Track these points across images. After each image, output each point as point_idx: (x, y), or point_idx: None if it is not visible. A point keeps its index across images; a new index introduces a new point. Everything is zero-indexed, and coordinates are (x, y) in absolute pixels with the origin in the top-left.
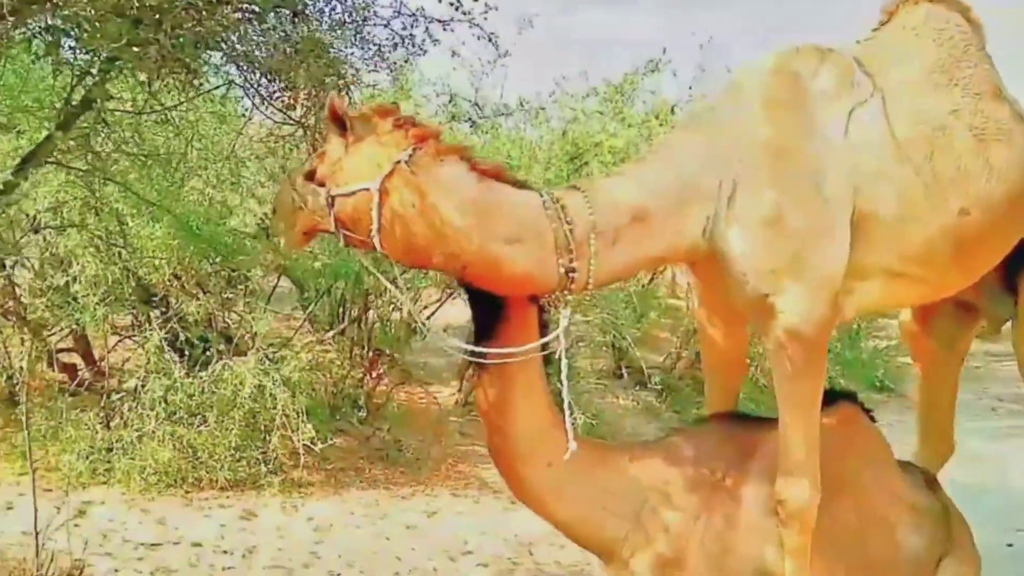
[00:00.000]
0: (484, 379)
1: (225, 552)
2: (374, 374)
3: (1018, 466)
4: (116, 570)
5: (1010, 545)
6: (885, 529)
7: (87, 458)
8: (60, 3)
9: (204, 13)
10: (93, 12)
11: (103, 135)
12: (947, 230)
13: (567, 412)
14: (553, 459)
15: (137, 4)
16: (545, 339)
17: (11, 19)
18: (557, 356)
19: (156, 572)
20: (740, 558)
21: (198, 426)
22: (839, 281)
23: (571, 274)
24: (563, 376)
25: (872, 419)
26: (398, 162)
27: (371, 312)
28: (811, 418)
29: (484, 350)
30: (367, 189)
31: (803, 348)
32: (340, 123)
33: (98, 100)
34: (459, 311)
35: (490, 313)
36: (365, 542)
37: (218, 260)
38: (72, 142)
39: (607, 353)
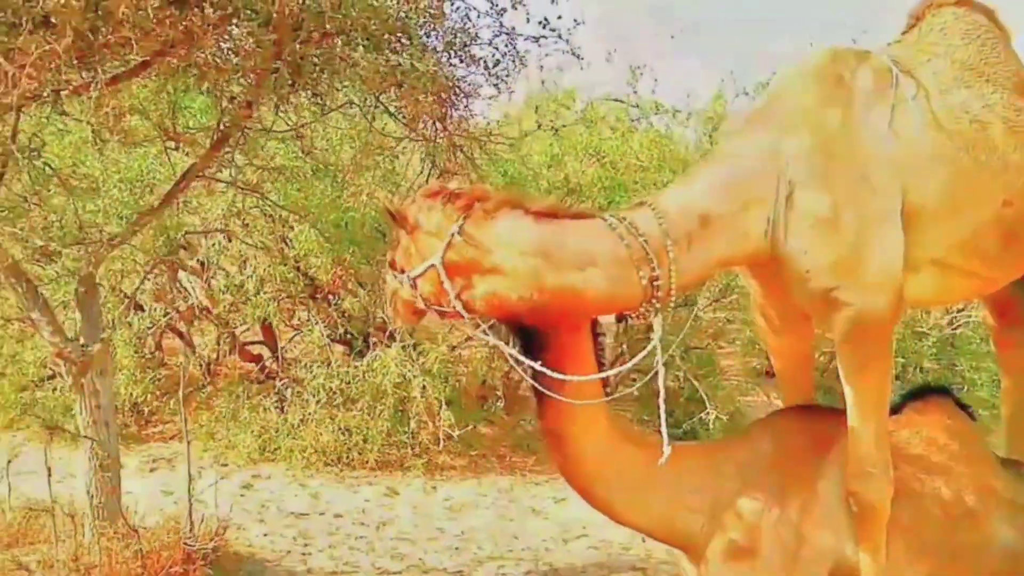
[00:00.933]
0: (546, 408)
1: (362, 524)
2: None
3: None
4: (265, 534)
5: None
6: (975, 522)
7: (259, 438)
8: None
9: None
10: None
11: (262, 150)
12: (993, 221)
13: (662, 418)
14: (623, 473)
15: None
16: (604, 374)
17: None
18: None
19: (298, 537)
20: (816, 549)
21: (353, 411)
22: (900, 271)
23: (655, 283)
24: (660, 383)
25: (970, 414)
26: (452, 235)
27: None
28: (880, 410)
29: (552, 374)
30: (432, 266)
31: (870, 339)
32: (395, 218)
33: (242, 123)
34: None
35: (549, 354)
36: (490, 521)
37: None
38: (240, 157)
39: (760, 351)
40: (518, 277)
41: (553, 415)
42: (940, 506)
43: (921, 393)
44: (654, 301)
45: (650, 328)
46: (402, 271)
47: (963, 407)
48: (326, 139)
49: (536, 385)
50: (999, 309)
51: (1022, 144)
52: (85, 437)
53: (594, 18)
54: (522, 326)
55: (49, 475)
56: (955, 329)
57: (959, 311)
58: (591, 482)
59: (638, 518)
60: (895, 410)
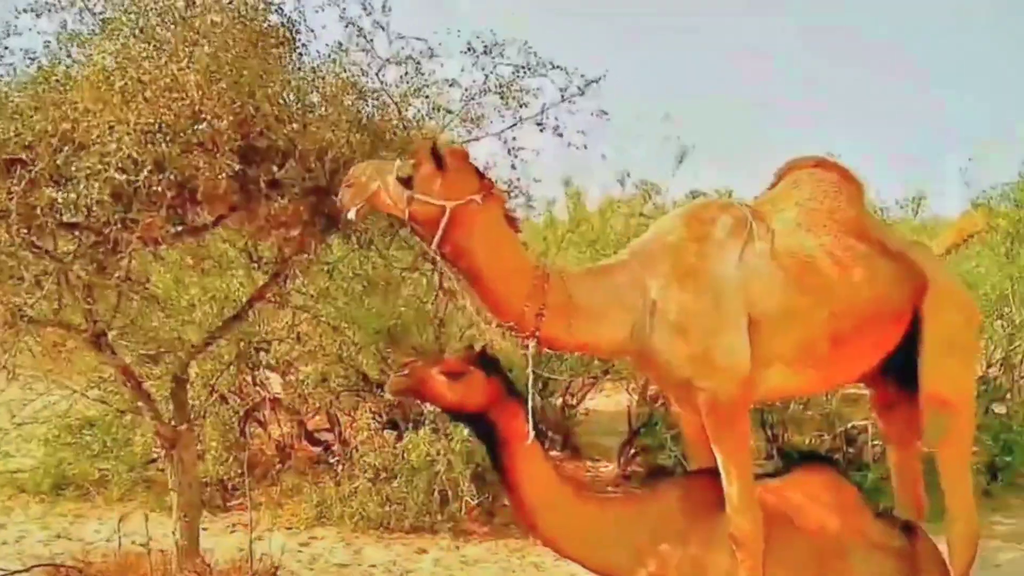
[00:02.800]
0: (505, 473)
1: (389, 572)
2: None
3: None
4: (312, 574)
5: None
6: (841, 556)
7: (317, 507)
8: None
9: None
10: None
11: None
12: (822, 329)
13: (530, 421)
14: (566, 520)
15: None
16: (531, 430)
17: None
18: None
19: None
20: (714, 573)
21: (394, 484)
22: (745, 365)
23: (539, 317)
24: (529, 384)
25: (845, 474)
26: (472, 199)
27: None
28: (742, 467)
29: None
30: (443, 207)
31: (724, 415)
32: (437, 155)
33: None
34: (603, 401)
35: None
36: (497, 573)
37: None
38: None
39: (759, 432)
40: (486, 250)
41: (509, 475)
42: (813, 543)
43: (809, 459)
44: (530, 335)
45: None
46: (409, 187)
47: (843, 472)
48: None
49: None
50: (878, 394)
51: (846, 272)
52: (174, 489)
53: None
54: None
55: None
56: None
57: None
58: (540, 525)
59: (575, 553)
60: (786, 470)
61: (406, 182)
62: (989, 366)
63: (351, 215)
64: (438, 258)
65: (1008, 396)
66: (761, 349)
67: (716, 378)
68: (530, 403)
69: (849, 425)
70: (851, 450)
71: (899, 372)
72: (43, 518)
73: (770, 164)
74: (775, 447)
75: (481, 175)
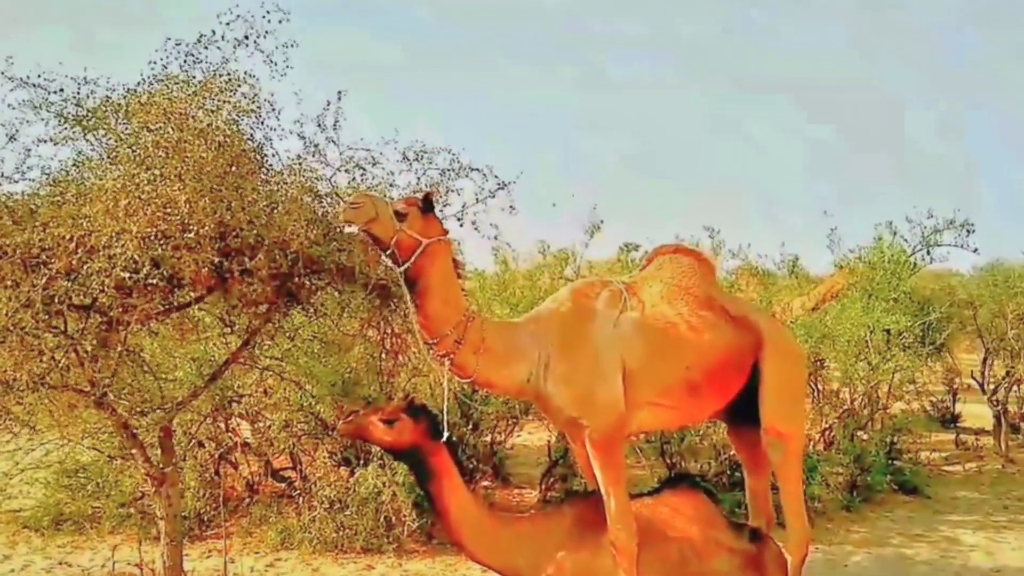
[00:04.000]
0: (434, 499)
1: None
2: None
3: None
4: None
5: None
6: (701, 560)
7: (281, 533)
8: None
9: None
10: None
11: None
12: (680, 379)
13: (443, 416)
14: (482, 535)
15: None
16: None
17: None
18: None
19: None
20: (600, 573)
21: (346, 512)
22: (620, 406)
23: (460, 343)
24: (444, 390)
25: (711, 494)
26: (440, 239)
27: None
28: (620, 488)
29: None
30: (420, 241)
31: (604, 447)
32: (426, 203)
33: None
34: (527, 437)
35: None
36: None
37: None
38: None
39: (658, 462)
40: (436, 275)
41: (437, 500)
42: (679, 549)
43: (677, 480)
44: (446, 357)
45: None
46: (402, 220)
47: (708, 491)
48: (326, 329)
49: (424, 485)
50: (731, 428)
51: (698, 335)
52: (161, 519)
53: None
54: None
55: (140, 545)
56: None
57: None
58: (462, 540)
59: (491, 562)
60: (659, 490)
61: (400, 216)
62: (853, 400)
63: (351, 229)
64: (402, 280)
65: (868, 425)
66: (632, 394)
67: (597, 417)
68: (444, 404)
69: (732, 453)
70: (737, 474)
71: (746, 411)
72: (44, 549)
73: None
74: (674, 472)
75: (443, 226)
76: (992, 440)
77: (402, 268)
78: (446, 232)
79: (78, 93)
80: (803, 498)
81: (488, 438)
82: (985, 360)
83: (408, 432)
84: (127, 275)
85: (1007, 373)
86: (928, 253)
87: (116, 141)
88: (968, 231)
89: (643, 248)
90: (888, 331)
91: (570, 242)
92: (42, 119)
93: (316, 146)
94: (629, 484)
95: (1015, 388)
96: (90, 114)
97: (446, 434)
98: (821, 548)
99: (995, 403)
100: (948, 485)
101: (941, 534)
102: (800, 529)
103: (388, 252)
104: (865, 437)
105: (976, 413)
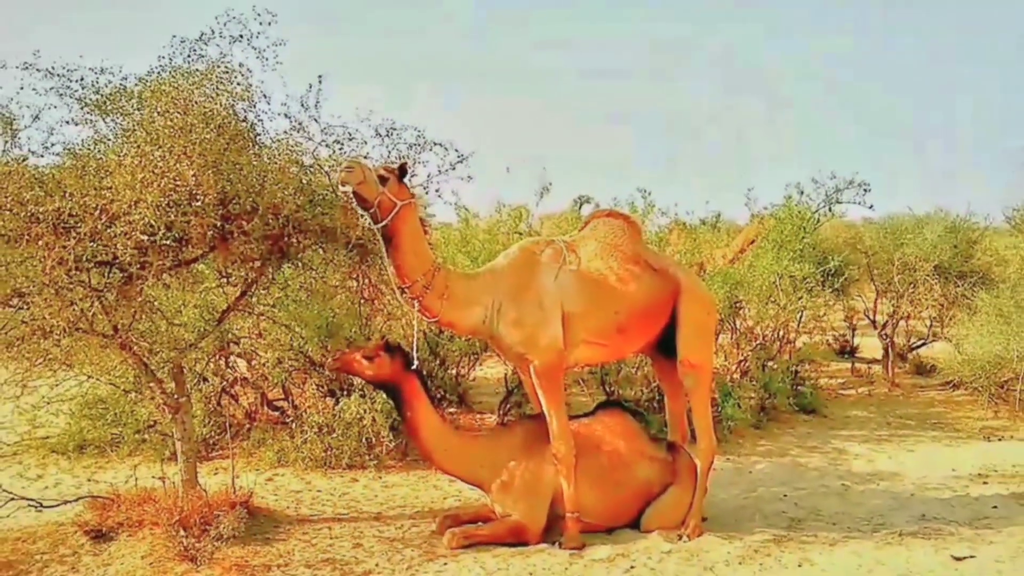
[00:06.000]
0: (406, 419)
1: (331, 494)
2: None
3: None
4: (276, 498)
5: None
6: (626, 467)
7: (277, 453)
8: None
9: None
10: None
11: (276, 287)
12: (610, 321)
13: (414, 352)
14: (447, 447)
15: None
16: (415, 359)
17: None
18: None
19: (293, 501)
20: (545, 481)
21: (333, 435)
22: (560, 346)
23: (427, 289)
24: (413, 351)
25: (634, 413)
26: (411, 201)
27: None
28: (560, 411)
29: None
30: (396, 203)
31: (547, 377)
32: (402, 171)
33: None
34: (488, 371)
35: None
36: (408, 491)
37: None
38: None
39: (599, 390)
40: (407, 231)
41: (410, 421)
42: (608, 459)
43: (607, 404)
44: (416, 298)
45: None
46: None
47: (634, 412)
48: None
49: (400, 409)
50: (654, 362)
51: (626, 285)
52: (178, 440)
53: None
54: (386, 384)
55: (162, 462)
56: None
57: None
58: (432, 454)
59: (456, 471)
60: (593, 412)
61: (383, 181)
62: (764, 336)
63: (346, 189)
64: (380, 236)
65: (776, 356)
66: (570, 335)
67: (541, 354)
68: (414, 338)
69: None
70: (663, 400)
71: (666, 347)
72: (71, 470)
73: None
74: (611, 398)
75: (411, 191)
76: (881, 368)
77: (380, 225)
78: (415, 196)
79: (96, 81)
80: (711, 417)
81: (453, 371)
82: (876, 300)
83: (386, 366)
84: (144, 237)
85: (893, 311)
86: (830, 210)
87: (131, 124)
88: (865, 190)
89: (595, 201)
90: (794, 277)
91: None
92: (65, 104)
93: (300, 124)
94: (573, 409)
95: (901, 324)
96: (107, 100)
97: (416, 363)
98: (731, 459)
99: (884, 337)
100: (842, 406)
101: (832, 446)
102: (707, 442)
103: (371, 211)
104: (774, 367)
105: (873, 346)
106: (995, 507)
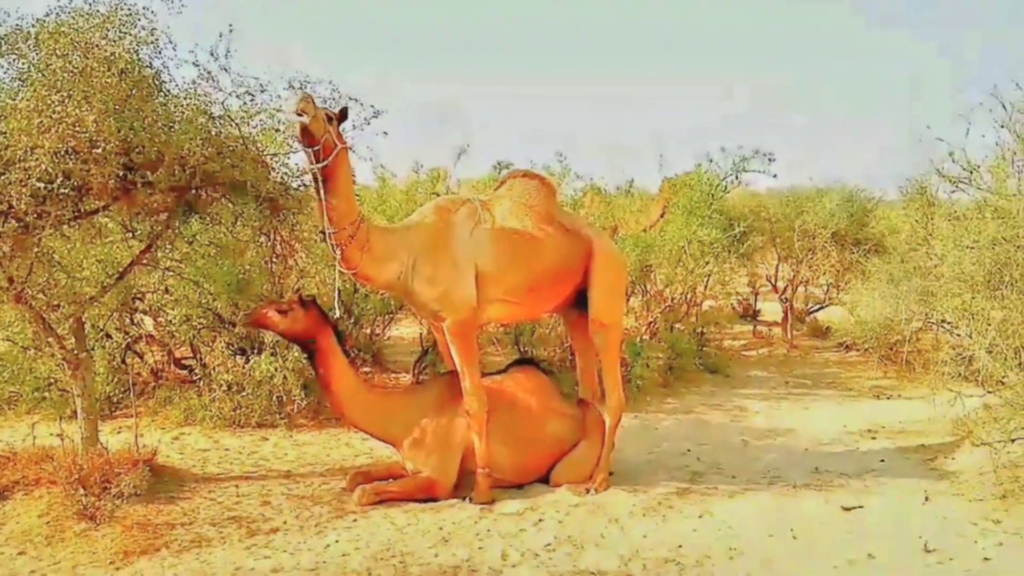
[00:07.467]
0: (320, 375)
1: (239, 452)
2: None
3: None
4: (181, 456)
5: None
6: (538, 424)
7: (184, 412)
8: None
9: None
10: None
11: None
12: (523, 279)
13: (337, 301)
14: (360, 404)
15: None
16: (340, 340)
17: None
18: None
19: (200, 460)
20: (457, 438)
21: (243, 394)
22: (473, 304)
23: (352, 239)
24: (336, 280)
25: (546, 371)
26: (348, 146)
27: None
28: (472, 368)
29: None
30: (337, 144)
31: (459, 334)
32: (344, 116)
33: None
34: (403, 330)
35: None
36: (320, 450)
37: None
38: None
39: (513, 349)
40: (343, 170)
41: (324, 377)
42: (519, 415)
43: (520, 361)
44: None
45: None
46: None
47: (544, 370)
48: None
49: (314, 365)
50: (566, 321)
51: (539, 244)
52: (78, 397)
53: None
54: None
55: (60, 421)
56: None
57: None
58: (345, 411)
59: (369, 428)
60: (506, 370)
61: (329, 120)
62: (673, 299)
63: (304, 119)
64: (319, 177)
65: (684, 318)
66: (484, 292)
67: (454, 311)
68: (336, 288)
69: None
70: (574, 359)
71: (579, 306)
72: None
73: None
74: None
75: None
76: (781, 331)
77: (321, 165)
78: (346, 142)
79: None
80: (620, 376)
81: (368, 330)
82: (778, 266)
83: (300, 320)
84: (41, 185)
85: (793, 277)
86: (737, 178)
87: (27, 65)
88: (770, 160)
89: (514, 166)
90: (703, 242)
91: (441, 162)
92: None
93: (209, 73)
94: (487, 368)
95: (800, 289)
96: (1, 41)
97: (338, 314)
98: (640, 416)
99: (784, 301)
100: (744, 366)
101: (734, 404)
102: (616, 399)
103: (315, 149)
104: (681, 328)
105: (774, 309)
106: (882, 460)
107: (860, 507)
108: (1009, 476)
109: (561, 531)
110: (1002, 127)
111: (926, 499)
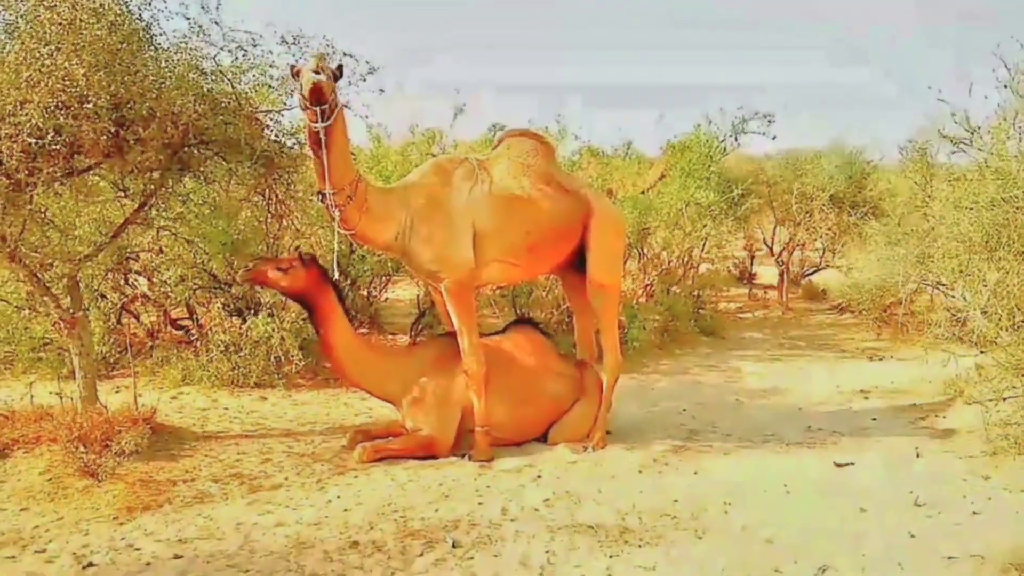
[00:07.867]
0: (321, 334)
1: (240, 411)
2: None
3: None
4: (181, 416)
5: None
6: (536, 382)
7: (182, 372)
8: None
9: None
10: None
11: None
12: (521, 240)
13: (334, 262)
14: (360, 363)
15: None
16: (341, 299)
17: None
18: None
19: (199, 418)
20: (455, 397)
21: (241, 354)
22: (470, 264)
23: (350, 199)
24: (333, 266)
25: (544, 332)
26: (346, 105)
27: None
28: (471, 328)
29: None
30: (338, 103)
31: (458, 295)
32: (341, 73)
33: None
34: (400, 292)
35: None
36: (318, 409)
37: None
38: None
39: (510, 311)
40: (339, 126)
41: (324, 336)
42: (517, 374)
43: (518, 322)
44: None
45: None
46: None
47: (542, 330)
48: (215, 194)
49: (314, 323)
50: (564, 282)
51: (537, 205)
52: (76, 356)
53: None
54: (301, 296)
55: (59, 380)
56: None
57: None
58: (345, 369)
59: (369, 387)
60: (504, 330)
61: (335, 78)
62: (670, 262)
63: (320, 77)
64: (321, 136)
65: (680, 281)
66: (481, 253)
67: (452, 271)
68: (335, 248)
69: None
70: (571, 321)
71: (577, 267)
72: None
73: None
74: (522, 318)
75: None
76: (776, 294)
77: (326, 124)
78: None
79: None
80: (617, 336)
81: (365, 292)
82: (774, 230)
83: (301, 278)
84: (32, 141)
85: (789, 240)
86: (736, 140)
87: (14, 16)
88: (769, 121)
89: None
90: (700, 204)
91: (438, 123)
92: None
93: (201, 27)
94: (484, 330)
95: (796, 252)
96: None
97: (336, 274)
98: (636, 377)
99: (780, 264)
100: (739, 328)
101: (729, 365)
102: (613, 359)
103: (323, 107)
104: (678, 291)
105: (769, 273)
106: (874, 419)
107: (852, 463)
108: (999, 433)
109: (559, 487)
110: (1005, 87)
111: (917, 455)
